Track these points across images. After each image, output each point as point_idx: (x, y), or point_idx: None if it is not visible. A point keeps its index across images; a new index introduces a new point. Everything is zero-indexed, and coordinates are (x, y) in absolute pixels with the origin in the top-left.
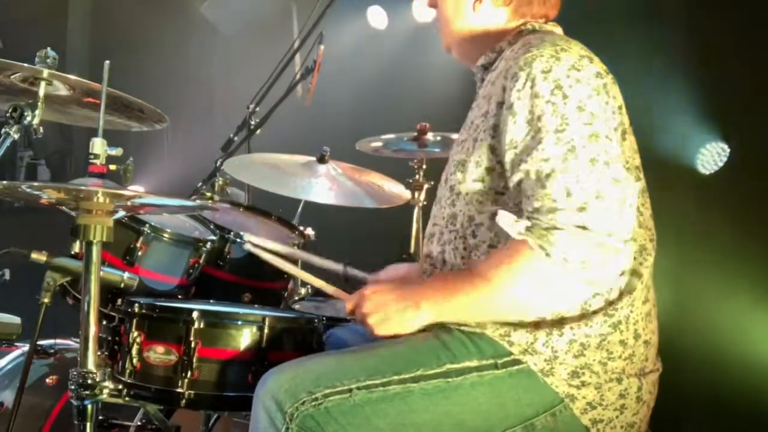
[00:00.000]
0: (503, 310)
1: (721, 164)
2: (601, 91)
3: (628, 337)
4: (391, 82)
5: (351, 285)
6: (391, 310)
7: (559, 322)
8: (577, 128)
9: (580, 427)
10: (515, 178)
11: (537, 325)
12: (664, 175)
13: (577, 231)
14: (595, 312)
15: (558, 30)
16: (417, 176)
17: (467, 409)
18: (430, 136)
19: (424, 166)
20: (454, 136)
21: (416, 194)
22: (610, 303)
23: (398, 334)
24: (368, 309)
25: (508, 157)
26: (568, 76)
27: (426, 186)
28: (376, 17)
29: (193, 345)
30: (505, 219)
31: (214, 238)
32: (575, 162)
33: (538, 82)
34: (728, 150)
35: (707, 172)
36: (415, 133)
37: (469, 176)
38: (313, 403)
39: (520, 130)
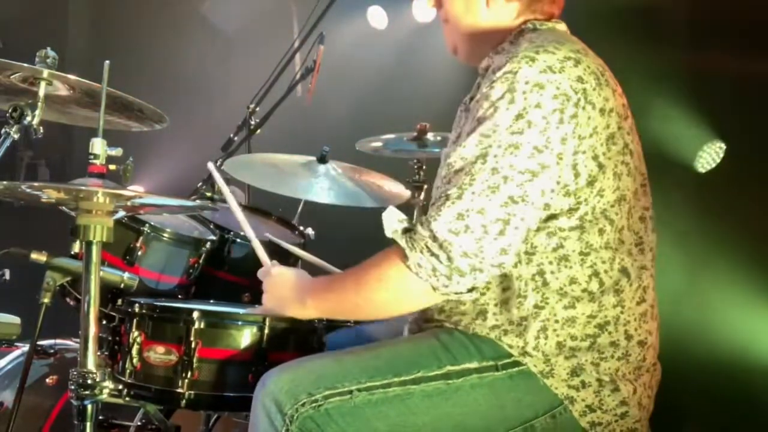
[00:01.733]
0: (363, 309)
1: (718, 161)
2: (570, 98)
3: (618, 338)
4: (391, 82)
5: None
6: (284, 298)
7: (543, 328)
8: (500, 136)
9: (579, 430)
10: (442, 173)
11: (524, 329)
12: (662, 175)
13: (443, 239)
14: (575, 316)
15: (562, 27)
16: (417, 176)
17: (467, 411)
18: (430, 136)
19: (424, 166)
20: (449, 141)
21: (416, 194)
22: (598, 304)
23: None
24: (267, 287)
25: (447, 149)
26: (527, 82)
27: (426, 186)
28: (376, 17)
29: (193, 345)
30: (391, 216)
31: (214, 238)
32: (480, 169)
33: (497, 84)
34: (724, 148)
35: (704, 170)
36: (415, 133)
37: None
38: (313, 405)
39: (468, 128)
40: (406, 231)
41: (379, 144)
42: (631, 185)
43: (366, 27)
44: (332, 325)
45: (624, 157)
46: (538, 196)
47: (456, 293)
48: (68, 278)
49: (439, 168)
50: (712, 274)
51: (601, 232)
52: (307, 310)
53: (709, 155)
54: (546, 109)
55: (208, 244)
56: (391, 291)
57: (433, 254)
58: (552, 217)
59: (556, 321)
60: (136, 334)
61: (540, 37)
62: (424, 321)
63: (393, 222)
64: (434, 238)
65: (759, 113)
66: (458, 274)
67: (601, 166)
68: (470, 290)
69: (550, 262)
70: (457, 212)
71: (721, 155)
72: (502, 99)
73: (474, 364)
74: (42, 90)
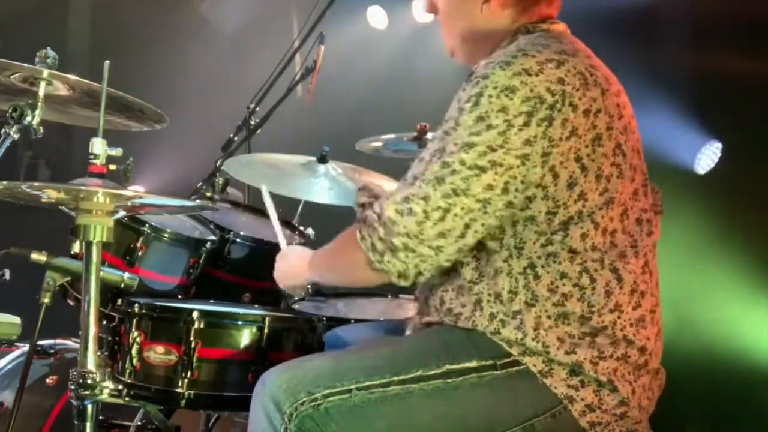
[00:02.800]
0: (332, 274)
1: (715, 162)
2: (544, 101)
3: (618, 340)
4: (391, 82)
5: None
6: (292, 266)
7: (538, 323)
8: (458, 135)
9: (579, 430)
10: None
11: (520, 322)
12: (661, 176)
13: (387, 217)
14: (567, 313)
15: (558, 27)
16: None
17: (467, 410)
18: (430, 136)
19: None
20: None
21: None
22: (587, 304)
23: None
24: (279, 261)
25: None
26: (495, 87)
27: None
28: (376, 17)
29: (193, 345)
30: (363, 194)
31: (214, 238)
32: (436, 161)
33: (468, 88)
34: (721, 148)
35: (703, 172)
36: (415, 133)
37: None
38: (312, 404)
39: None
40: (367, 206)
41: (379, 144)
42: (625, 187)
43: (366, 27)
44: (332, 325)
45: (615, 158)
46: (481, 191)
47: (386, 271)
48: (68, 278)
49: None
50: (712, 274)
51: (584, 236)
52: (307, 272)
53: (708, 156)
54: (510, 113)
55: (208, 244)
56: (345, 259)
57: (374, 229)
58: (533, 219)
59: (548, 317)
60: (136, 334)
61: (530, 40)
62: (426, 318)
63: (362, 197)
64: (380, 216)
65: (757, 113)
66: (390, 251)
67: (583, 168)
68: (400, 275)
69: (539, 257)
70: (405, 196)
71: (719, 155)
72: (468, 102)
73: (473, 363)
74: (42, 90)
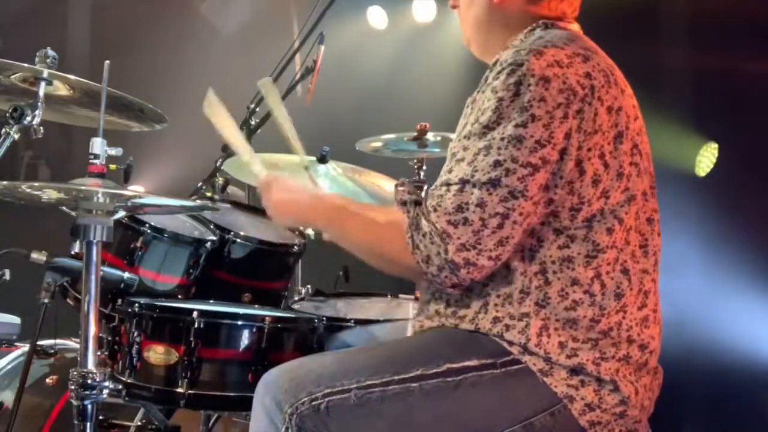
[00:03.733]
0: (360, 252)
1: (714, 162)
2: (577, 93)
3: (620, 341)
4: (391, 82)
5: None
6: (299, 202)
7: (545, 327)
8: (505, 128)
9: (578, 429)
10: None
11: (526, 325)
12: (661, 177)
13: (443, 230)
14: (577, 319)
15: (574, 27)
16: (417, 176)
17: (467, 409)
18: (430, 136)
19: (424, 166)
20: (454, 136)
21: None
22: (599, 308)
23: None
24: (276, 189)
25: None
26: (533, 75)
27: (426, 186)
28: (376, 17)
29: (193, 345)
30: (403, 191)
31: (214, 238)
32: (483, 160)
33: (502, 76)
34: (718, 148)
35: (704, 173)
36: (415, 133)
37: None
38: (313, 404)
39: (473, 119)
40: (415, 204)
41: (379, 144)
42: (641, 186)
43: (366, 27)
44: (332, 325)
45: (633, 157)
46: (537, 191)
47: (439, 284)
48: (68, 278)
49: (445, 165)
50: (712, 274)
51: (609, 231)
52: (318, 222)
53: (708, 158)
54: (550, 104)
55: (208, 244)
56: (385, 255)
57: (432, 242)
58: (556, 214)
59: (557, 320)
60: (136, 334)
61: (550, 34)
62: (428, 318)
63: (403, 194)
64: (434, 227)
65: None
66: (451, 267)
67: (606, 165)
68: (453, 286)
69: (553, 262)
70: (457, 204)
71: (716, 156)
72: (507, 91)
73: (473, 362)
74: (42, 90)
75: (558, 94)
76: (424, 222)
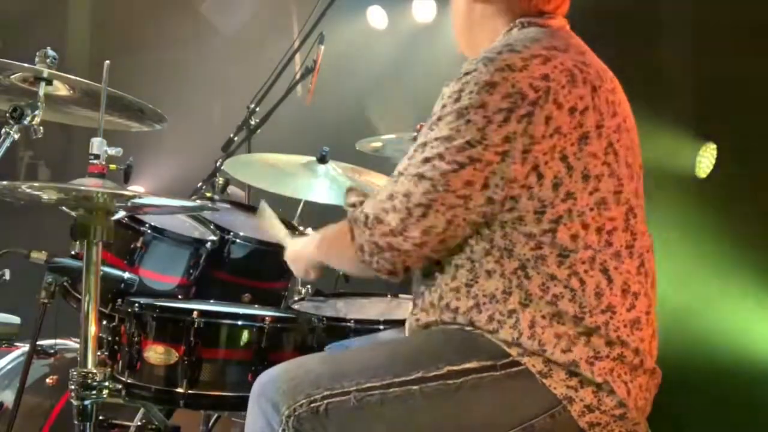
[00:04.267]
0: (331, 261)
1: (714, 164)
2: (525, 96)
3: (612, 340)
4: (391, 82)
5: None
6: (298, 253)
7: (532, 323)
8: (439, 130)
9: (578, 430)
10: None
11: (516, 321)
12: (660, 178)
13: (373, 216)
14: (561, 312)
15: (556, 22)
16: None
17: (468, 412)
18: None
19: None
20: None
21: None
22: (579, 305)
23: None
24: (287, 251)
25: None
26: (476, 83)
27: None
28: (376, 17)
29: (193, 345)
30: (352, 194)
31: (214, 238)
32: (418, 155)
33: (452, 84)
34: (718, 149)
35: (704, 175)
36: (415, 133)
37: None
38: (312, 406)
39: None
40: (357, 205)
41: (379, 144)
42: (620, 187)
43: (366, 27)
44: (332, 325)
45: (606, 157)
46: (461, 186)
47: (376, 270)
48: (68, 278)
49: None
50: (711, 274)
51: (574, 237)
52: (315, 254)
53: (707, 158)
54: (490, 109)
55: (208, 244)
56: (341, 253)
57: (362, 231)
58: (521, 219)
59: (543, 316)
60: (136, 334)
61: (523, 33)
62: (423, 311)
63: (352, 197)
64: (366, 215)
65: (747, 113)
66: (377, 252)
67: (569, 167)
68: (390, 273)
69: (528, 260)
70: (390, 193)
71: (716, 156)
72: (450, 98)
73: (473, 365)
74: (42, 90)
75: (502, 100)
76: (359, 215)
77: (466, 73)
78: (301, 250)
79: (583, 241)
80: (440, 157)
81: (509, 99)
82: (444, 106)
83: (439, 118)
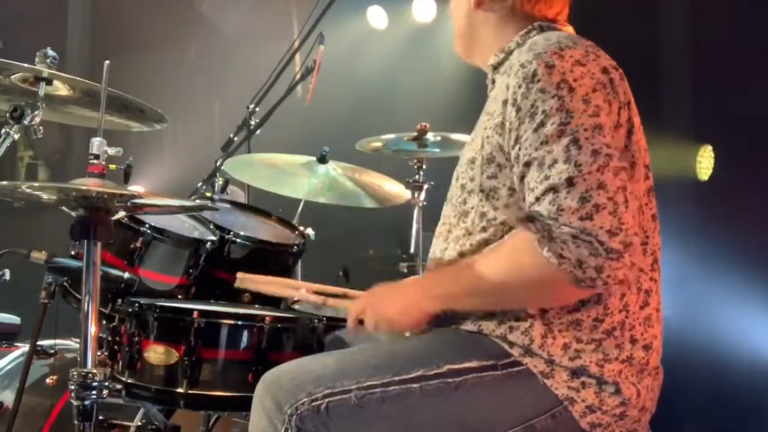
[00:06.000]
0: (498, 300)
1: (713, 164)
2: (607, 86)
3: (623, 342)
4: (391, 82)
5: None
6: (408, 302)
7: (548, 330)
8: (582, 120)
9: (579, 430)
10: (520, 172)
11: (530, 326)
12: (661, 181)
13: (582, 227)
14: (581, 319)
15: (568, 29)
16: (417, 176)
17: (467, 410)
18: (430, 136)
19: (424, 166)
20: (454, 136)
21: (416, 194)
22: (604, 307)
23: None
24: (376, 301)
25: (515, 152)
26: (572, 70)
27: (426, 186)
28: (376, 17)
29: (193, 345)
30: (513, 212)
31: (214, 238)
32: (578, 153)
33: (543, 78)
34: (717, 152)
35: (706, 177)
36: (415, 133)
37: (480, 174)
38: (313, 404)
39: (525, 125)
40: (530, 219)
41: (379, 144)
42: (644, 183)
43: (366, 27)
44: (332, 325)
45: (643, 151)
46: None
47: (603, 286)
48: (68, 278)
49: (458, 167)
50: (712, 275)
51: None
52: (445, 288)
53: (707, 159)
54: (599, 96)
55: (208, 244)
56: (529, 280)
57: (578, 245)
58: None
59: (561, 322)
60: (136, 334)
61: (552, 35)
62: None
63: (518, 215)
64: (571, 229)
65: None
66: (613, 257)
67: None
68: (621, 282)
69: None
70: (578, 197)
71: (714, 157)
72: (560, 88)
73: (474, 364)
74: (42, 90)
75: (597, 86)
76: (556, 231)
77: (550, 66)
78: (406, 290)
79: None
80: (606, 144)
81: (603, 90)
82: (560, 98)
83: (568, 111)
